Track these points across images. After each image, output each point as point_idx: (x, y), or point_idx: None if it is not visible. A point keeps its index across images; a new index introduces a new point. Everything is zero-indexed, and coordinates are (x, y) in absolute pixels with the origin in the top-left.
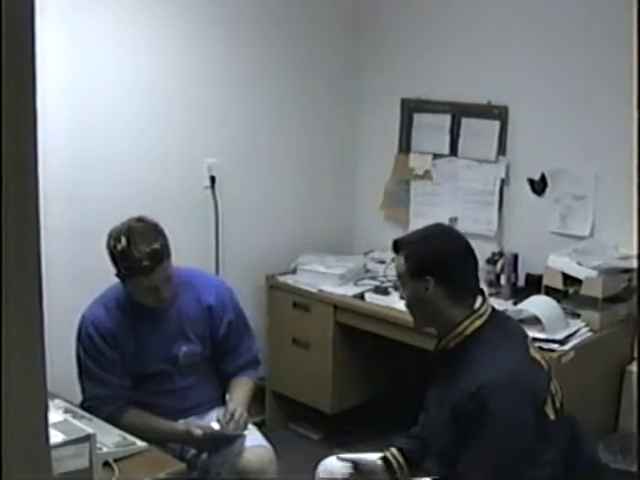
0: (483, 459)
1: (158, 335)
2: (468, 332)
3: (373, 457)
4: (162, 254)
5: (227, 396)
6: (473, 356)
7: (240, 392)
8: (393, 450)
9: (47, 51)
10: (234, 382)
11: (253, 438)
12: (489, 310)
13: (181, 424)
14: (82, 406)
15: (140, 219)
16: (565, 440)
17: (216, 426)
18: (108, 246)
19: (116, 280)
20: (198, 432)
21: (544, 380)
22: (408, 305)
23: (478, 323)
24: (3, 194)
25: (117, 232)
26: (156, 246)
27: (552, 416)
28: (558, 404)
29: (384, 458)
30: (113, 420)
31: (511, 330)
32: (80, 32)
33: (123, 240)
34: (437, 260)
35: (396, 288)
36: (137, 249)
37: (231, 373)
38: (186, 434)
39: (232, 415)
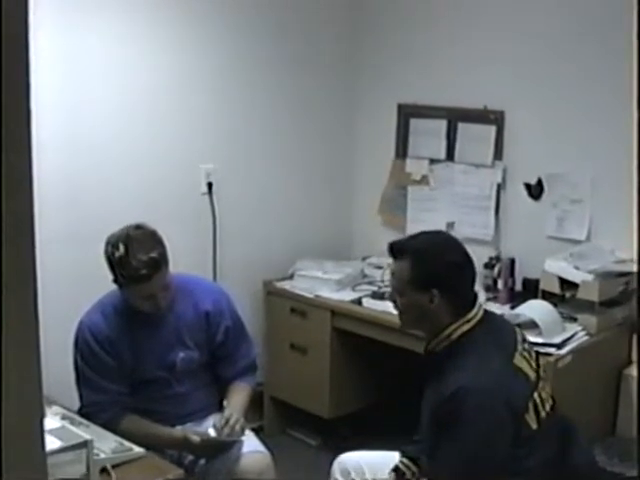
0: (454, 460)
1: (155, 342)
2: (455, 336)
3: (390, 454)
4: (160, 263)
5: (225, 402)
6: (456, 361)
7: (237, 398)
8: (404, 459)
9: (41, 56)
10: (232, 388)
11: (250, 444)
12: (479, 315)
13: (178, 430)
14: (80, 412)
15: (138, 226)
16: (551, 450)
17: (213, 432)
18: (106, 253)
19: (114, 286)
20: (195, 439)
21: (525, 389)
22: (401, 310)
23: (465, 328)
24: None
25: (115, 239)
26: (154, 255)
27: (534, 425)
28: (544, 414)
29: (396, 468)
30: (111, 426)
31: (501, 337)
32: (74, 37)
33: (121, 248)
34: (445, 273)
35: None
36: (135, 257)
37: (229, 379)
38: (183, 441)
39: (227, 420)
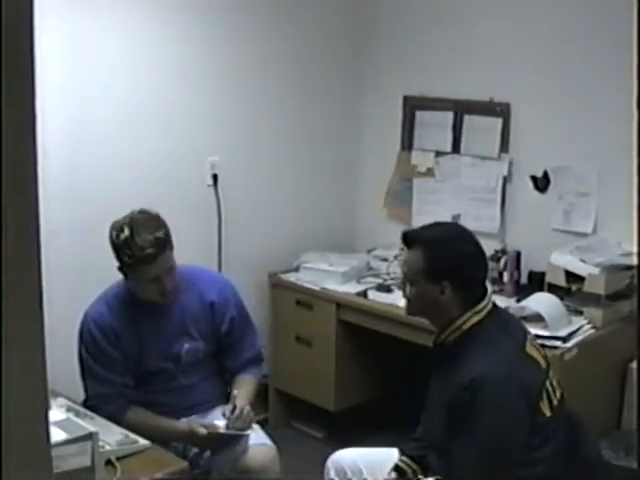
0: (473, 450)
1: (160, 332)
2: (466, 327)
3: (387, 451)
4: (165, 243)
5: (234, 391)
6: (468, 351)
7: (244, 390)
8: (404, 458)
9: (47, 48)
10: (237, 380)
11: (256, 436)
12: (489, 307)
13: (184, 423)
14: (85, 404)
15: (142, 211)
16: (563, 438)
17: (220, 424)
18: (110, 238)
19: (118, 278)
20: (202, 431)
21: (539, 377)
22: (410, 298)
23: (476, 319)
24: (2, 193)
25: (119, 224)
26: (160, 234)
27: (548, 413)
28: (555, 402)
29: (397, 467)
30: (116, 418)
31: (510, 327)
32: (80, 30)
33: (126, 230)
34: (457, 266)
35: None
36: (140, 237)
37: (234, 370)
38: (189, 433)
39: (241, 412)
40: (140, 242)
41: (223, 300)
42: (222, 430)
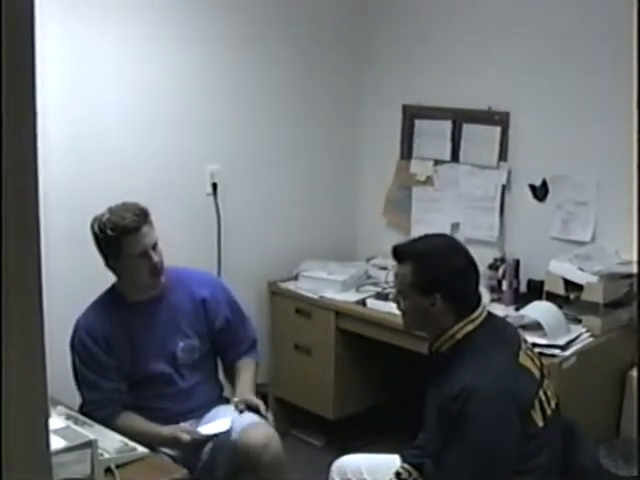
0: (462, 460)
1: (152, 332)
2: (459, 336)
3: (390, 457)
4: (147, 214)
5: (235, 397)
6: (460, 360)
7: (246, 374)
8: (405, 465)
9: (48, 56)
10: (238, 366)
11: (247, 416)
12: (483, 315)
13: (167, 429)
14: (80, 411)
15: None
16: (558, 447)
17: (204, 431)
18: (92, 229)
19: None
20: (185, 437)
21: (531, 387)
22: (404, 311)
23: (469, 328)
24: (3, 200)
25: (99, 215)
26: (140, 208)
27: (540, 423)
28: (549, 411)
29: (397, 474)
30: (107, 424)
31: (504, 336)
32: (81, 38)
33: (106, 214)
34: (447, 278)
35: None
36: (121, 213)
37: (233, 359)
38: (173, 439)
39: (245, 405)
40: (122, 214)
41: (215, 298)
42: (204, 433)
